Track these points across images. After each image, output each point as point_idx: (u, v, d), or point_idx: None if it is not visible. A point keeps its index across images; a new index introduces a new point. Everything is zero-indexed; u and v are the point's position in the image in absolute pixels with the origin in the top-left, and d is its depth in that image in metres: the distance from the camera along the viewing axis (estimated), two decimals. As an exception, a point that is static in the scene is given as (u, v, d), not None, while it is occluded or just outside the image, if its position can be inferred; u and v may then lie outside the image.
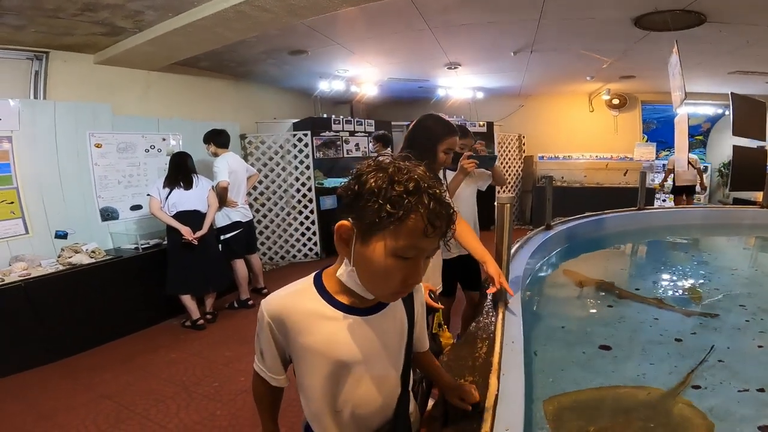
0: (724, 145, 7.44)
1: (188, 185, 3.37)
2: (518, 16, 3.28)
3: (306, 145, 5.15)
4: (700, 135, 9.64)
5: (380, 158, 0.72)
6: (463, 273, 2.31)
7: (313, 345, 0.77)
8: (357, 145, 5.91)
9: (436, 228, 0.68)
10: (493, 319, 1.50)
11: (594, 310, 2.25)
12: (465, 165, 2.04)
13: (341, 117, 5.75)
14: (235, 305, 3.88)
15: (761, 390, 1.35)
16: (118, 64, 3.83)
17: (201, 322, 3.43)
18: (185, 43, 3.33)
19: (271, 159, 5.12)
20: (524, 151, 7.63)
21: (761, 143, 4.08)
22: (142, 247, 3.60)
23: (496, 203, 1.61)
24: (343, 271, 0.77)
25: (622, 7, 3.06)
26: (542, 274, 2.60)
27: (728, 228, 4.00)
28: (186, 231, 3.25)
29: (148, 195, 3.34)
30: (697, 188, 6.65)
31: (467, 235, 1.74)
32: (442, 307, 1.47)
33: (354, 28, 3.59)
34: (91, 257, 3.22)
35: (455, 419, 0.96)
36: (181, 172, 3.38)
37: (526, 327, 1.61)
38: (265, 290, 4.21)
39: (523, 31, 3.70)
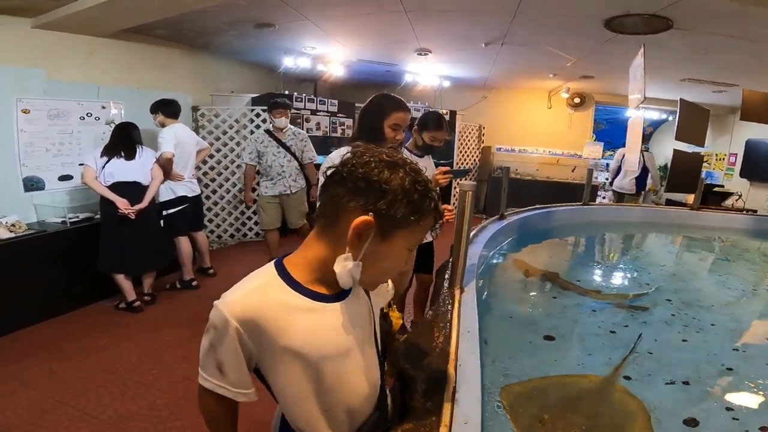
0: (663, 149, 7.97)
1: (130, 155, 3.10)
2: (497, 5, 3.22)
3: (264, 121, 4.90)
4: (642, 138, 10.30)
5: (375, 151, 0.72)
6: (417, 257, 2.31)
7: (296, 344, 0.70)
8: (318, 124, 5.73)
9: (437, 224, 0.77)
10: (449, 307, 1.49)
11: (540, 300, 2.33)
12: (439, 180, 1.99)
13: (303, 95, 5.54)
14: (178, 286, 3.66)
15: (686, 383, 1.43)
16: (59, 28, 3.45)
17: (138, 304, 3.20)
18: (138, 8, 3.02)
19: (225, 133, 4.85)
20: (483, 142, 7.78)
21: (698, 149, 4.38)
22: (71, 221, 3.27)
23: (458, 190, 1.62)
24: (342, 266, 0.69)
25: (598, 6, 3.07)
26: (494, 262, 2.66)
27: (661, 227, 4.26)
28: (122, 203, 2.99)
29: (82, 164, 3.03)
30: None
31: None
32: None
33: (327, 4, 3.41)
34: (11, 231, 2.89)
35: (415, 413, 0.92)
36: (123, 141, 3.10)
37: (479, 315, 1.64)
38: (211, 270, 4.02)
39: (497, 22, 3.66)
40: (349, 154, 0.72)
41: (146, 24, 3.55)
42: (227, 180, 4.94)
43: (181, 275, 3.68)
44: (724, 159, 7.67)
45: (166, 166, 3.31)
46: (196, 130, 4.62)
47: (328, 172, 0.73)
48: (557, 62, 4.97)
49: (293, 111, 5.35)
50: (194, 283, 3.68)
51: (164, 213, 3.48)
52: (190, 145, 3.64)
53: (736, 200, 6.86)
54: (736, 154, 7.23)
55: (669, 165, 4.55)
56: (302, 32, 4.27)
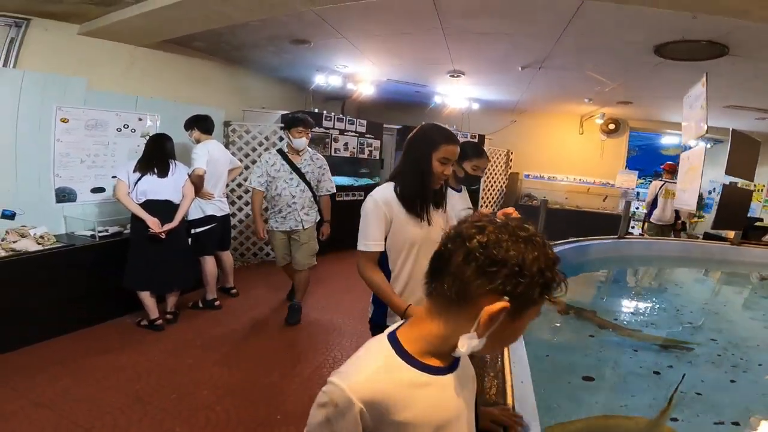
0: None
1: (163, 172, 3.06)
2: (540, 29, 3.16)
3: (292, 139, 4.90)
4: (676, 164, 9.95)
5: (504, 225, 0.68)
6: None
7: (415, 418, 0.72)
8: (346, 144, 5.69)
9: None
10: (498, 355, 1.40)
11: (576, 339, 2.29)
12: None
13: (333, 114, 5.52)
14: (200, 305, 3.57)
15: (736, 423, 1.44)
16: (104, 36, 3.51)
17: (159, 322, 3.12)
18: (183, 19, 3.06)
19: (254, 150, 4.84)
20: (510, 167, 7.61)
21: (735, 180, 4.15)
22: (100, 234, 3.25)
23: None
24: (467, 345, 0.70)
25: (650, 32, 2.99)
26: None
27: (701, 262, 4.19)
28: (153, 222, 2.95)
29: (115, 177, 3.01)
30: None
31: None
32: None
33: (364, 22, 3.40)
34: (39, 243, 2.86)
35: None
36: (156, 156, 3.07)
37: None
38: (234, 290, 3.93)
39: (538, 46, 3.59)
40: (473, 228, 0.68)
41: (187, 36, 3.59)
42: (254, 197, 4.91)
43: (204, 294, 3.60)
44: (762, 190, 7.30)
45: (196, 183, 3.27)
46: (227, 145, 4.63)
47: (447, 244, 0.69)
48: (595, 87, 4.85)
49: (322, 130, 5.34)
50: (217, 303, 3.60)
51: (192, 231, 3.43)
52: (223, 162, 3.61)
53: (777, 234, 6.56)
54: (775, 185, 6.93)
55: (716, 198, 4.32)
56: (336, 50, 4.28)
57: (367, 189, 6.13)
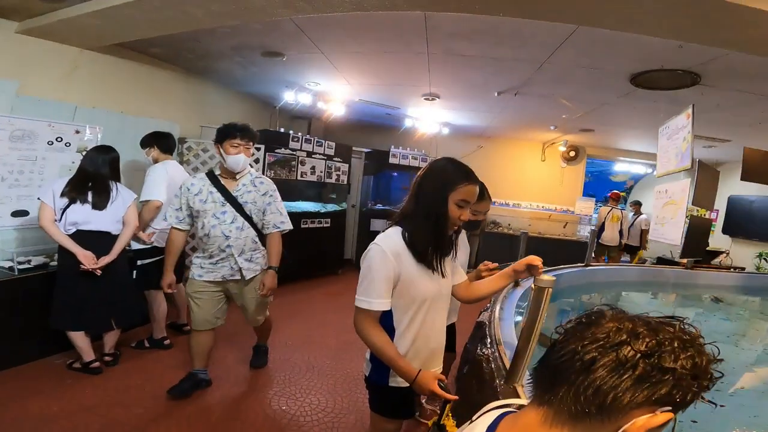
0: (644, 204, 7.97)
1: (101, 202, 2.53)
2: (528, 54, 3.09)
3: (257, 161, 4.51)
4: (623, 191, 10.56)
5: (674, 328, 0.64)
6: None
7: None
8: (313, 168, 5.37)
9: None
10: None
11: None
12: (483, 274, 1.72)
13: (300, 134, 5.20)
14: (146, 344, 3.06)
15: None
16: (46, 36, 3.04)
17: (97, 364, 2.61)
18: (143, 20, 2.64)
19: (212, 170, 4.40)
20: (476, 193, 7.61)
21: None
22: (20, 267, 2.68)
23: (532, 285, 1.35)
24: None
25: (632, 61, 2.99)
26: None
27: (659, 286, 4.37)
28: (85, 257, 2.45)
29: (39, 199, 2.47)
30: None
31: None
32: (456, 398, 1.32)
33: (346, 37, 3.18)
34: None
35: None
36: (93, 178, 2.54)
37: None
38: (187, 327, 3.41)
39: (520, 71, 3.54)
40: (623, 334, 0.61)
41: (143, 40, 3.17)
42: (211, 220, 4.42)
43: (151, 332, 3.09)
44: (704, 215, 7.81)
45: (146, 217, 2.83)
46: (180, 164, 4.16)
47: (585, 350, 0.60)
48: (562, 114, 4.94)
49: (288, 151, 4.99)
50: (166, 341, 3.10)
51: (138, 263, 2.96)
52: (182, 186, 3.19)
53: (724, 257, 6.98)
54: (717, 211, 7.31)
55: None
56: (311, 66, 4.02)
57: (335, 216, 5.81)
